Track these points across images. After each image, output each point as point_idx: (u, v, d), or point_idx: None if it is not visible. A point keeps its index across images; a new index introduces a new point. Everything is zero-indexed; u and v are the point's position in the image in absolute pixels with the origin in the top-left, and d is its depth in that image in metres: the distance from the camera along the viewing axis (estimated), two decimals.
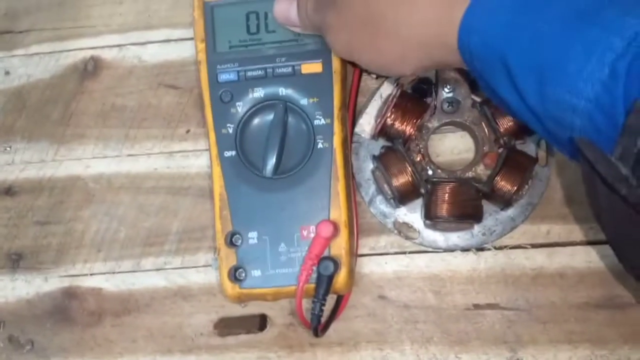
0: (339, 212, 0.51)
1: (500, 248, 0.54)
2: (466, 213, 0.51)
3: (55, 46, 0.61)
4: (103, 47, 0.60)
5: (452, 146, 0.55)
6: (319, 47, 0.52)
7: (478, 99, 0.53)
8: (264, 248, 0.51)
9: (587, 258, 0.53)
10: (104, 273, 0.57)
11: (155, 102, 0.59)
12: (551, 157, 0.53)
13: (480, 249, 0.54)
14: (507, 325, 0.53)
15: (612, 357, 0.52)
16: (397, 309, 0.54)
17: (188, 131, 0.58)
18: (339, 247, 0.50)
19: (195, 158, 0.58)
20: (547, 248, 0.54)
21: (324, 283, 0.48)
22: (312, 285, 0.49)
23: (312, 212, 0.51)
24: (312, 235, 0.50)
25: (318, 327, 0.49)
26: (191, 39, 0.58)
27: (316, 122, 0.52)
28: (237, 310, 0.55)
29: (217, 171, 0.52)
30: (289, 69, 0.52)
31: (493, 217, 0.53)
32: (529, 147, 0.53)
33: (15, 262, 0.58)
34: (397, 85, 0.54)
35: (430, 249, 0.55)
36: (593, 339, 0.53)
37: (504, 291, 0.54)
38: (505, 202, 0.51)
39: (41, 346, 0.56)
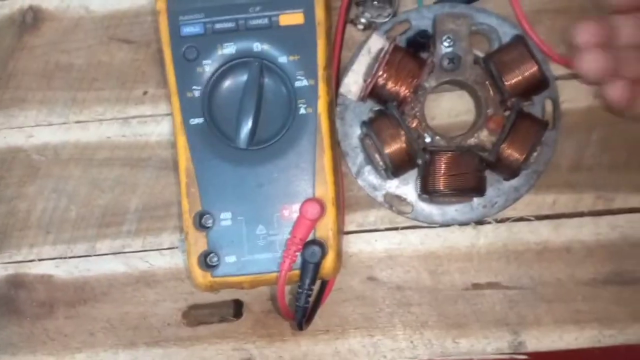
0: (325, 189, 0.44)
1: (501, 221, 0.49)
2: (468, 186, 0.45)
3: None
4: None
5: (449, 107, 0.49)
6: None
7: (481, 54, 0.47)
8: (240, 230, 0.44)
9: (595, 230, 0.49)
10: (54, 258, 0.50)
11: (107, 59, 0.51)
12: (559, 118, 0.48)
13: (480, 222, 0.49)
14: (509, 305, 0.49)
15: (621, 337, 0.48)
16: (389, 291, 0.49)
17: (145, 93, 0.50)
18: (326, 228, 0.44)
19: (155, 124, 0.50)
20: (553, 220, 0.49)
21: (310, 271, 0.42)
22: (296, 272, 0.43)
23: (295, 189, 0.44)
24: (295, 215, 0.44)
25: (303, 319, 0.43)
26: None
27: (297, 83, 0.45)
28: (209, 297, 0.49)
29: (182, 141, 0.45)
30: (265, 20, 0.44)
31: (495, 187, 0.47)
32: (535, 107, 0.47)
33: None
34: (389, 38, 0.47)
35: (424, 224, 0.49)
36: (601, 318, 0.48)
37: (505, 268, 0.49)
38: (512, 172, 0.46)
39: None
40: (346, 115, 0.48)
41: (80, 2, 0.51)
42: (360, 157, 0.48)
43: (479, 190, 0.46)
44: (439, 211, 0.48)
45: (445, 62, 0.46)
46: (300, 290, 0.43)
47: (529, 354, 0.49)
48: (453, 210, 0.48)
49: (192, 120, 0.45)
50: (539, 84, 0.45)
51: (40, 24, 0.51)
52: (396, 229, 0.49)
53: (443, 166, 0.45)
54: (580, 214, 0.49)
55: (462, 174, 0.45)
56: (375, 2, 0.48)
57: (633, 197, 0.49)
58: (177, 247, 0.49)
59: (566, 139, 0.49)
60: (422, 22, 0.48)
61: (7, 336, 0.50)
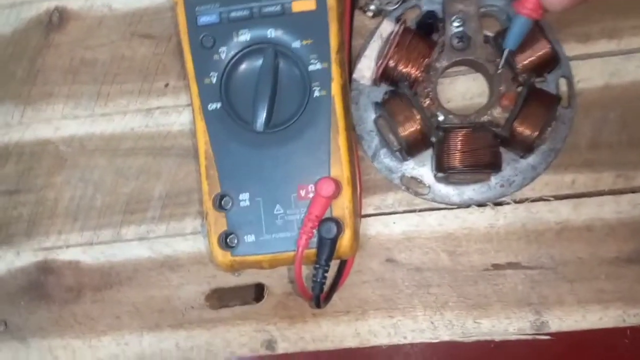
0: (340, 169, 0.45)
1: (520, 201, 0.49)
2: (483, 162, 0.45)
3: None
4: None
5: (464, 90, 0.50)
6: None
7: (491, 33, 0.47)
8: (258, 211, 0.45)
9: (616, 208, 0.48)
10: (81, 245, 0.52)
11: (129, 54, 0.53)
12: (574, 96, 0.48)
13: (498, 203, 0.49)
14: (531, 285, 0.48)
15: None
16: (408, 272, 0.49)
17: (167, 85, 0.52)
18: (342, 207, 0.45)
19: (177, 114, 0.52)
20: (573, 199, 0.48)
21: (327, 247, 0.43)
22: (313, 251, 0.44)
23: (311, 169, 0.45)
24: (311, 194, 0.45)
25: (320, 296, 0.44)
26: None
27: (311, 67, 0.46)
28: (231, 280, 0.50)
29: (201, 126, 0.46)
30: (278, 7, 0.46)
31: (512, 166, 0.47)
32: (549, 85, 0.47)
33: None
34: (398, 21, 0.47)
35: (442, 205, 0.49)
36: (625, 297, 0.48)
37: (526, 248, 0.48)
38: (526, 148, 0.46)
39: (16, 326, 0.51)
40: (360, 100, 0.49)
41: (103, 1, 0.53)
42: (376, 141, 0.49)
43: (495, 165, 0.46)
44: (457, 191, 0.48)
45: (455, 42, 0.46)
46: (317, 266, 0.43)
47: (552, 334, 0.48)
48: (470, 190, 0.48)
49: (210, 105, 0.46)
50: (550, 61, 0.46)
51: (65, 23, 0.54)
52: (414, 211, 0.50)
53: (457, 143, 0.45)
54: (601, 193, 0.48)
55: (477, 150, 0.45)
56: None
57: None
58: (199, 232, 0.50)
59: (583, 118, 0.49)
60: (432, 6, 0.48)
61: (37, 320, 0.51)
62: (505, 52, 0.44)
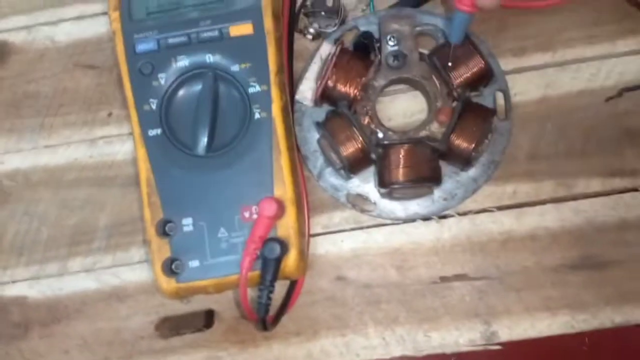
0: (283, 189, 0.45)
1: (464, 214, 0.49)
2: (423, 176, 0.46)
3: None
4: (10, 30, 0.54)
5: (404, 108, 0.51)
6: (248, 5, 0.46)
7: (426, 51, 0.48)
8: (201, 235, 0.45)
9: (559, 216, 0.49)
10: (27, 279, 0.51)
11: (72, 86, 0.53)
12: (511, 109, 0.49)
13: (442, 216, 0.49)
14: (478, 296, 0.49)
15: (594, 322, 0.48)
16: (358, 289, 0.49)
17: (110, 114, 0.52)
18: (287, 227, 0.45)
19: (121, 143, 0.52)
20: (515, 209, 0.49)
21: (270, 267, 0.43)
22: (258, 272, 0.44)
23: (254, 190, 0.45)
24: (255, 216, 0.45)
25: (266, 318, 0.44)
26: (106, 13, 0.53)
27: (251, 89, 0.46)
28: (180, 308, 0.49)
29: (142, 153, 0.46)
30: (216, 33, 0.46)
31: (453, 179, 0.48)
32: (485, 99, 0.48)
33: None
34: (336, 42, 0.48)
35: (388, 221, 0.50)
36: (572, 304, 0.48)
37: (471, 260, 0.49)
38: (464, 160, 0.46)
39: None
40: (303, 121, 0.49)
41: (45, 34, 0.54)
42: (320, 160, 0.49)
43: (435, 179, 0.47)
44: (401, 207, 0.49)
45: (391, 60, 0.47)
46: (261, 287, 0.43)
47: (503, 344, 0.48)
48: (415, 205, 0.49)
49: (150, 131, 0.46)
50: (485, 76, 0.47)
51: (7, 57, 0.54)
52: (361, 228, 0.50)
53: (397, 158, 0.46)
54: (542, 202, 0.49)
55: (416, 165, 0.46)
56: (323, 13, 0.50)
57: (594, 182, 0.49)
58: (146, 261, 0.50)
59: (521, 130, 0.50)
60: (370, 27, 0.49)
61: None
62: (452, 47, 0.45)
